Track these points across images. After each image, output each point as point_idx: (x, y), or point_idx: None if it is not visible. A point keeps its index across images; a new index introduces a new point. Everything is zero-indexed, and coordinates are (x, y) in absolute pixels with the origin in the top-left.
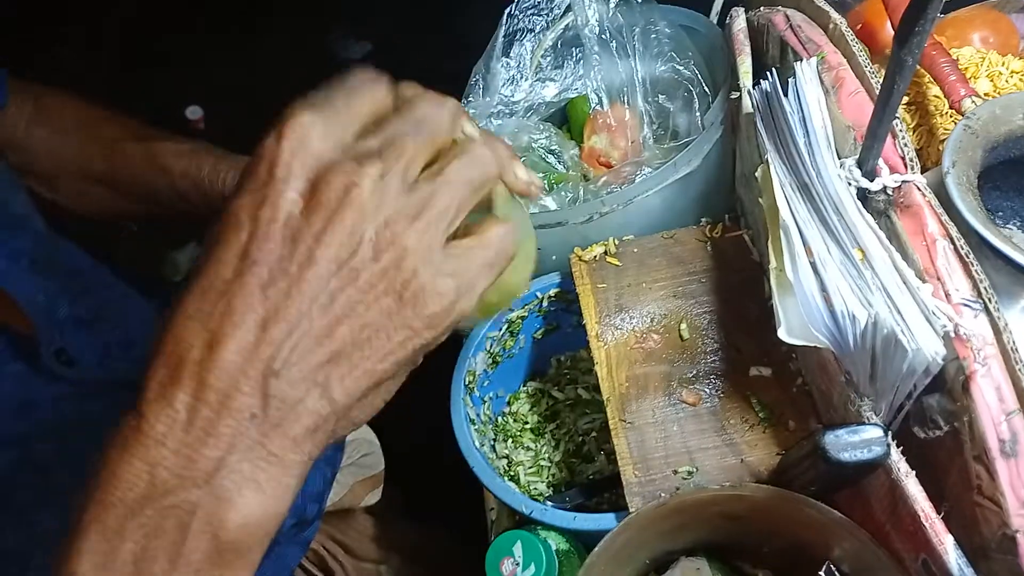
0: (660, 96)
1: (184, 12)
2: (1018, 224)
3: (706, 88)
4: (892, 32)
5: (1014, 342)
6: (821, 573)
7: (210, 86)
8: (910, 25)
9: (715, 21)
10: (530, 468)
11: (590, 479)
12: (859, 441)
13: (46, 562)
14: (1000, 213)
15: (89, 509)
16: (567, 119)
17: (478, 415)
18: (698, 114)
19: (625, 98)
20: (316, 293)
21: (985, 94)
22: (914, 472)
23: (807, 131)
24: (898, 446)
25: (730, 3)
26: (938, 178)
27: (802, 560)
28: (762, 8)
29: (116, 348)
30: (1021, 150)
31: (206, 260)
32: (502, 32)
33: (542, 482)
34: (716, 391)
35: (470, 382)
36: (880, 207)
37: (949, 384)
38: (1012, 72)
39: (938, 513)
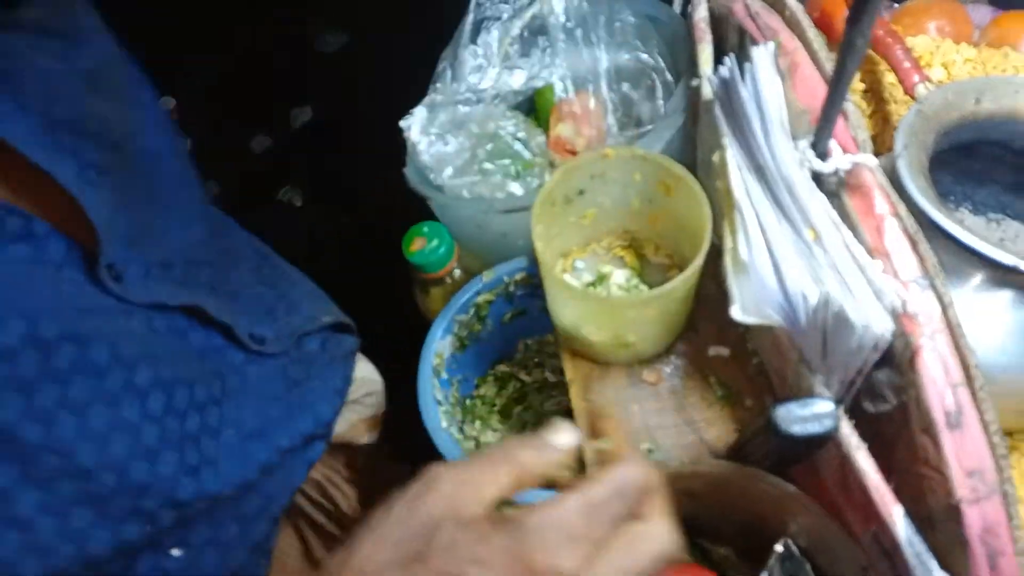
0: (624, 84)
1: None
2: (970, 207)
3: (669, 76)
4: None
5: (959, 317)
6: (778, 547)
7: (182, 76)
8: (859, 6)
9: (679, 10)
10: None
11: None
12: (809, 415)
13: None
14: (952, 196)
15: None
16: (535, 107)
17: (446, 397)
18: (661, 102)
19: (590, 86)
20: None
21: (939, 81)
22: (865, 446)
23: (762, 115)
24: (850, 420)
25: None
26: (892, 162)
27: (761, 537)
28: None
29: (155, 268)
30: (972, 135)
31: None
32: (470, 19)
33: None
34: (676, 371)
35: (437, 364)
36: (833, 188)
37: (897, 359)
38: (965, 60)
39: (887, 485)
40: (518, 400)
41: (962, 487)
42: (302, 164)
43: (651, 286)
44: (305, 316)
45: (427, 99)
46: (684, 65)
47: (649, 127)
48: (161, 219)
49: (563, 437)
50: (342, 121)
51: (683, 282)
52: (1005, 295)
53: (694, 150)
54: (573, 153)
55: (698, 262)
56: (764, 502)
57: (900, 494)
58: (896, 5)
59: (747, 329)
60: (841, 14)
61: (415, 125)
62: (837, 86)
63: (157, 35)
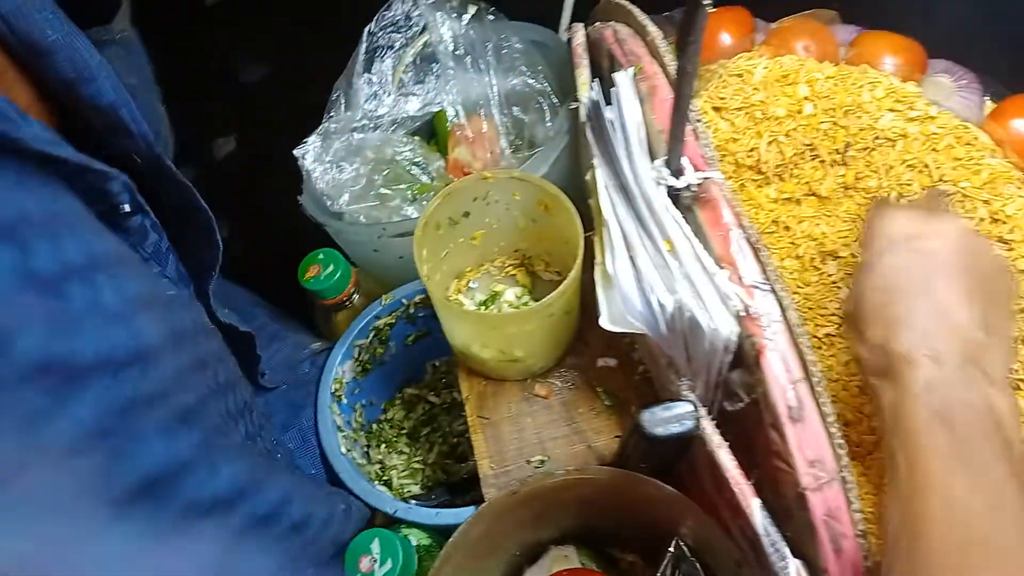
0: (515, 108)
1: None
2: None
3: (555, 99)
4: (725, 42)
5: (798, 319)
6: (670, 549)
7: None
8: (684, 36)
9: (563, 37)
10: (403, 471)
11: (464, 478)
12: (671, 416)
13: None
14: None
15: None
16: (435, 131)
17: (348, 422)
18: (549, 124)
19: (482, 111)
20: None
21: (804, 97)
22: (726, 444)
23: (625, 136)
24: (718, 421)
25: (578, 19)
26: None
27: (659, 540)
28: (597, 23)
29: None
30: None
31: None
32: (363, 49)
33: (416, 484)
34: (567, 383)
35: (337, 390)
36: (688, 203)
37: (747, 359)
38: (827, 77)
39: (749, 480)
40: (426, 422)
41: (806, 475)
42: (226, 195)
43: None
44: (292, 345)
45: (321, 128)
46: (568, 89)
47: (539, 149)
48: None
49: None
50: (264, 150)
51: (558, 297)
52: None
53: (580, 169)
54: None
55: (571, 277)
56: (653, 505)
57: (761, 487)
58: (772, 24)
59: (633, 340)
60: (716, 38)
61: (309, 154)
62: (678, 109)
63: None
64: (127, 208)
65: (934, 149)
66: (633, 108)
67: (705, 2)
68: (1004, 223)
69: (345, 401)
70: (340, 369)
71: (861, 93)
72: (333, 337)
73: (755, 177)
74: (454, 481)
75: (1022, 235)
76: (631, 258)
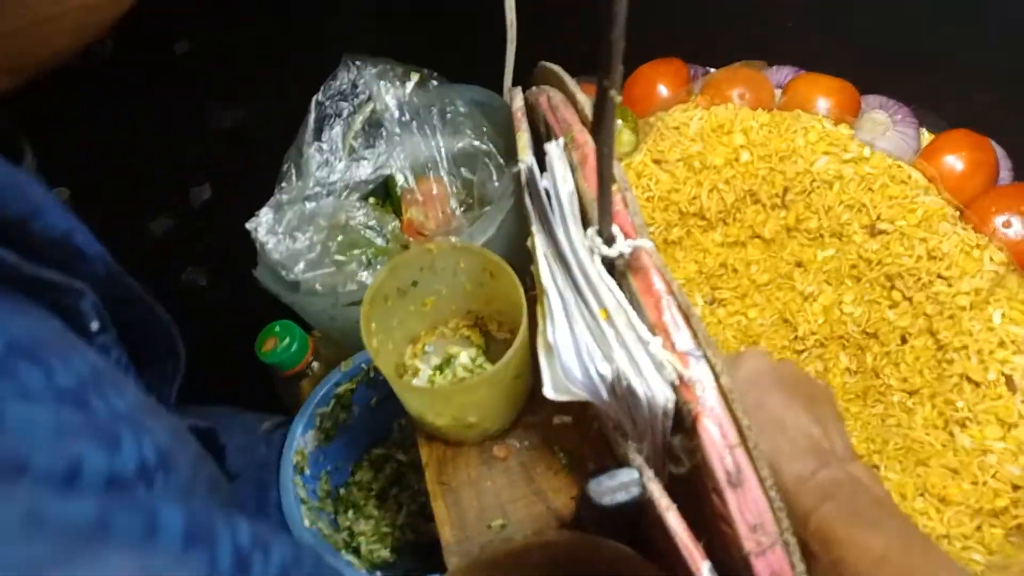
0: (463, 169)
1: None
2: None
3: (501, 160)
4: (662, 93)
5: (730, 384)
6: None
7: (75, 165)
8: (597, 123)
9: (506, 98)
10: (372, 537)
11: (435, 539)
12: (617, 485)
13: None
14: None
15: None
16: (389, 192)
17: (313, 491)
18: (497, 184)
19: (431, 173)
20: None
21: (740, 146)
22: (675, 506)
23: (560, 205)
24: (669, 482)
25: (520, 81)
26: None
27: None
28: (534, 88)
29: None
30: None
31: None
32: (311, 119)
33: (386, 549)
34: (524, 443)
35: (299, 462)
36: (622, 269)
37: (685, 425)
38: (762, 125)
39: (700, 541)
40: (395, 482)
41: (748, 540)
42: (204, 244)
43: (495, 361)
44: (242, 437)
45: (272, 200)
46: (513, 149)
47: (487, 209)
48: None
49: None
50: (242, 197)
51: (503, 367)
52: None
53: (526, 230)
54: (424, 236)
55: (515, 346)
56: (617, 563)
57: (712, 547)
58: (711, 71)
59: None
60: (654, 91)
61: (261, 226)
62: (602, 185)
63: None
64: (95, 327)
65: (870, 189)
66: (565, 178)
67: (612, 94)
68: (941, 260)
69: (308, 472)
70: (302, 440)
71: (795, 138)
72: (294, 406)
73: (700, 223)
74: (423, 542)
75: (959, 271)
76: (570, 327)
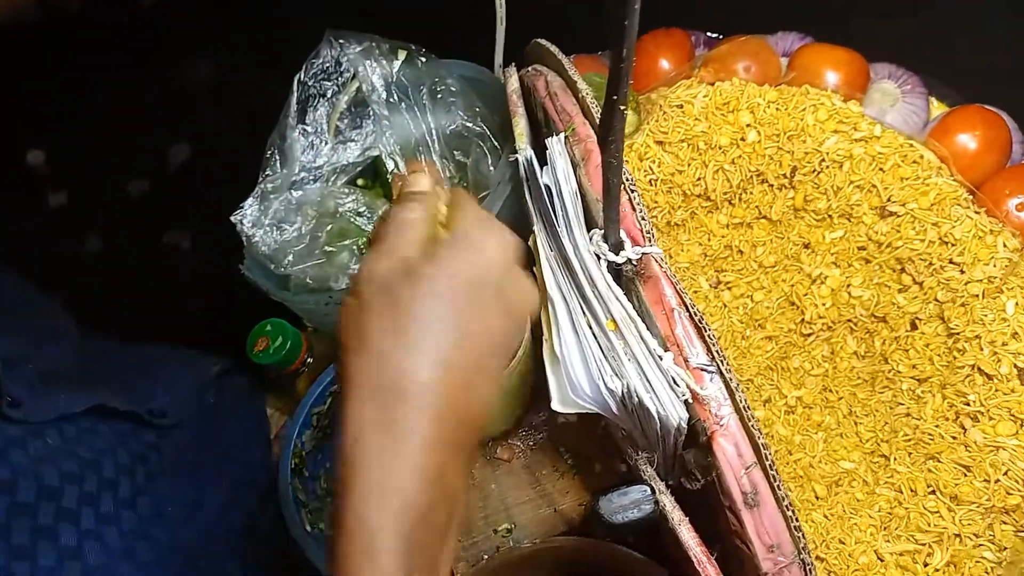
0: (456, 152)
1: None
2: None
3: (495, 142)
4: (664, 67)
5: (746, 401)
6: None
7: (48, 127)
8: (604, 135)
9: (498, 75)
10: None
11: None
12: (629, 502)
13: None
14: None
15: None
16: (378, 173)
17: (312, 492)
18: (492, 169)
19: (422, 156)
20: None
21: (747, 125)
22: (687, 519)
23: (564, 204)
24: (679, 493)
25: (512, 56)
26: None
27: None
28: (531, 68)
29: (39, 386)
30: None
31: None
32: (294, 100)
33: None
34: (528, 444)
35: (298, 465)
36: (631, 276)
37: (699, 442)
38: (769, 102)
39: (713, 552)
40: None
41: (766, 561)
42: (186, 205)
43: None
44: (192, 378)
45: (257, 190)
46: (508, 130)
47: (485, 193)
48: (28, 340)
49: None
50: (222, 156)
51: (506, 376)
52: None
53: (524, 219)
54: None
55: (521, 351)
56: (622, 566)
57: (726, 560)
58: (717, 40)
59: None
60: (657, 64)
61: (247, 218)
62: (608, 194)
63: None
64: None
65: (880, 169)
66: (568, 177)
67: (621, 107)
68: (953, 245)
69: (307, 473)
70: (299, 441)
71: (804, 117)
72: (294, 402)
73: (705, 204)
74: None
75: (972, 258)
76: (577, 337)
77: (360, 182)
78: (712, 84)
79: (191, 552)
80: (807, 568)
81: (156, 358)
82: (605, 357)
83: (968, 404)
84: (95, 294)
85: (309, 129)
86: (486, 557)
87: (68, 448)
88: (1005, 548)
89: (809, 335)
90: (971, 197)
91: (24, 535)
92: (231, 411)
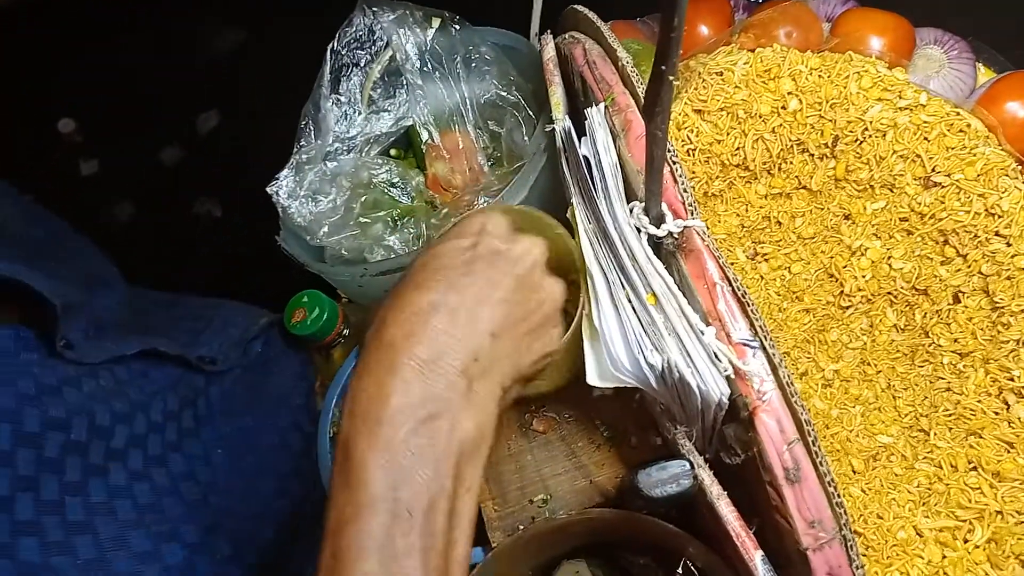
0: (490, 122)
1: (37, 16)
2: None
3: (530, 111)
4: (703, 33)
5: (789, 376)
6: (679, 571)
7: (78, 94)
8: (651, 107)
9: (534, 43)
10: None
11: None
12: (668, 477)
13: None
14: None
15: None
16: (412, 143)
17: None
18: (527, 139)
19: (456, 126)
20: None
21: (788, 93)
22: (725, 494)
23: (603, 176)
24: (718, 468)
25: (547, 22)
26: None
27: (669, 553)
28: (568, 35)
29: (92, 329)
30: None
31: None
32: (327, 70)
33: None
34: (564, 416)
35: (335, 434)
36: (671, 249)
37: (740, 417)
38: (811, 69)
39: (751, 525)
40: None
41: (806, 536)
42: (216, 172)
43: None
44: (240, 327)
45: (292, 160)
46: (543, 98)
47: (520, 163)
48: (83, 287)
49: None
50: (251, 122)
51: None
52: None
53: (561, 189)
54: (451, 192)
55: (575, 325)
56: (657, 536)
57: (763, 534)
58: (750, 11)
59: None
60: (694, 29)
61: (282, 189)
62: (651, 166)
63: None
64: None
65: (925, 139)
66: (608, 148)
67: (671, 77)
68: (1000, 217)
69: None
70: (336, 411)
71: (847, 84)
72: (329, 375)
73: (743, 174)
74: None
75: (1019, 230)
76: (616, 311)
77: (393, 152)
78: (752, 51)
79: (239, 493)
80: (848, 544)
81: (206, 307)
82: (645, 331)
83: (1012, 380)
84: (125, 265)
85: (343, 99)
86: (521, 527)
87: (120, 389)
88: None
89: (848, 308)
90: (1020, 167)
91: (76, 472)
92: (277, 360)
